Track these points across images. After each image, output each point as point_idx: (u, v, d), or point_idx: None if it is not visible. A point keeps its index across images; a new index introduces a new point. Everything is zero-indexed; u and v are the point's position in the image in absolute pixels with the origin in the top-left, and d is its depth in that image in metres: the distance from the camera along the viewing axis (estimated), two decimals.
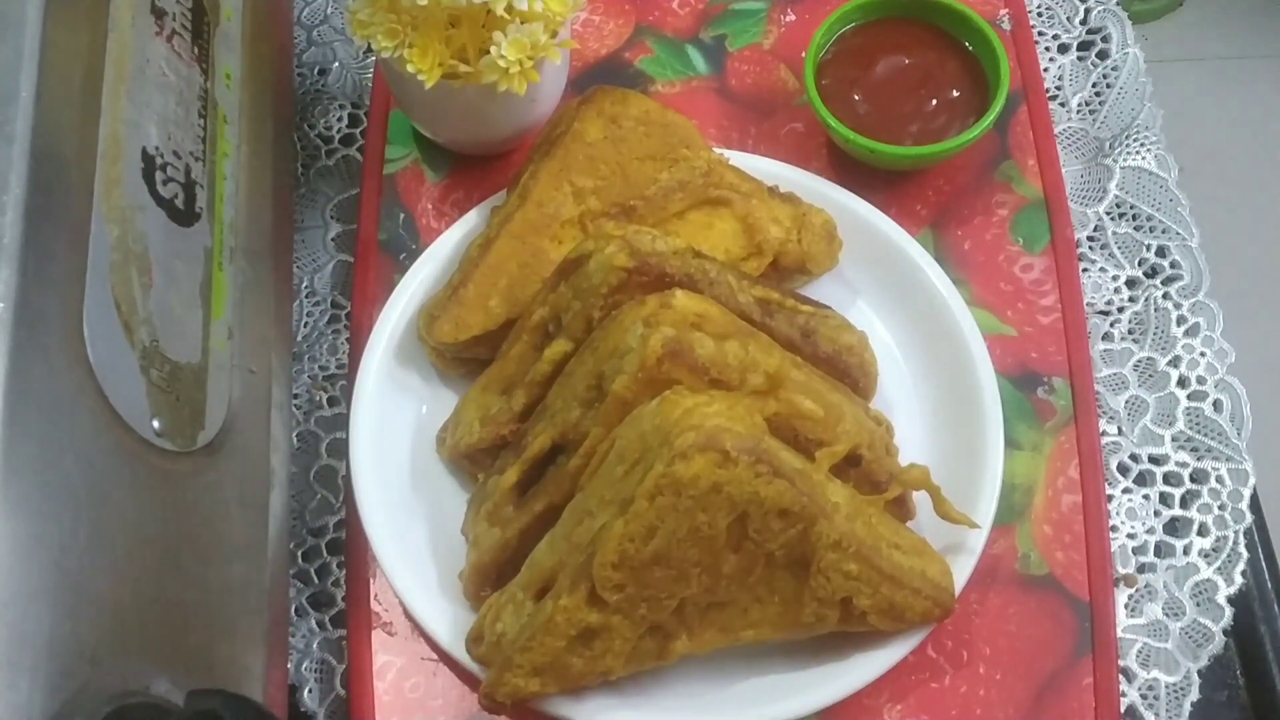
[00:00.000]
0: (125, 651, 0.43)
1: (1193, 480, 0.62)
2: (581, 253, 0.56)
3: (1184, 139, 0.76)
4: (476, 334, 0.61)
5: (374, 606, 0.61)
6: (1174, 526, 0.62)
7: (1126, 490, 0.62)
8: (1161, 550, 0.61)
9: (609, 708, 0.55)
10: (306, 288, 0.70)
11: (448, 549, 0.60)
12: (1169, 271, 0.67)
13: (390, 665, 0.60)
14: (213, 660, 0.48)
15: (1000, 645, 0.59)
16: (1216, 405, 0.64)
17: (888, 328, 0.65)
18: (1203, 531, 0.61)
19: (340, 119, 0.75)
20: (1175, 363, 0.65)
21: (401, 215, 0.71)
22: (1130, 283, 0.67)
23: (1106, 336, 0.66)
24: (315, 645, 0.61)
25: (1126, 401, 0.64)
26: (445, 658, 0.59)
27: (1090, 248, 0.68)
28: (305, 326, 0.69)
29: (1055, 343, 0.65)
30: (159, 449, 0.47)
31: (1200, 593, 0.60)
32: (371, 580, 0.61)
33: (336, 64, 0.77)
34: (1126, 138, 0.70)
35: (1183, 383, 0.64)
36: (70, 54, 0.46)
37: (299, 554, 0.63)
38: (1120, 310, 0.67)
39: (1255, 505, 0.62)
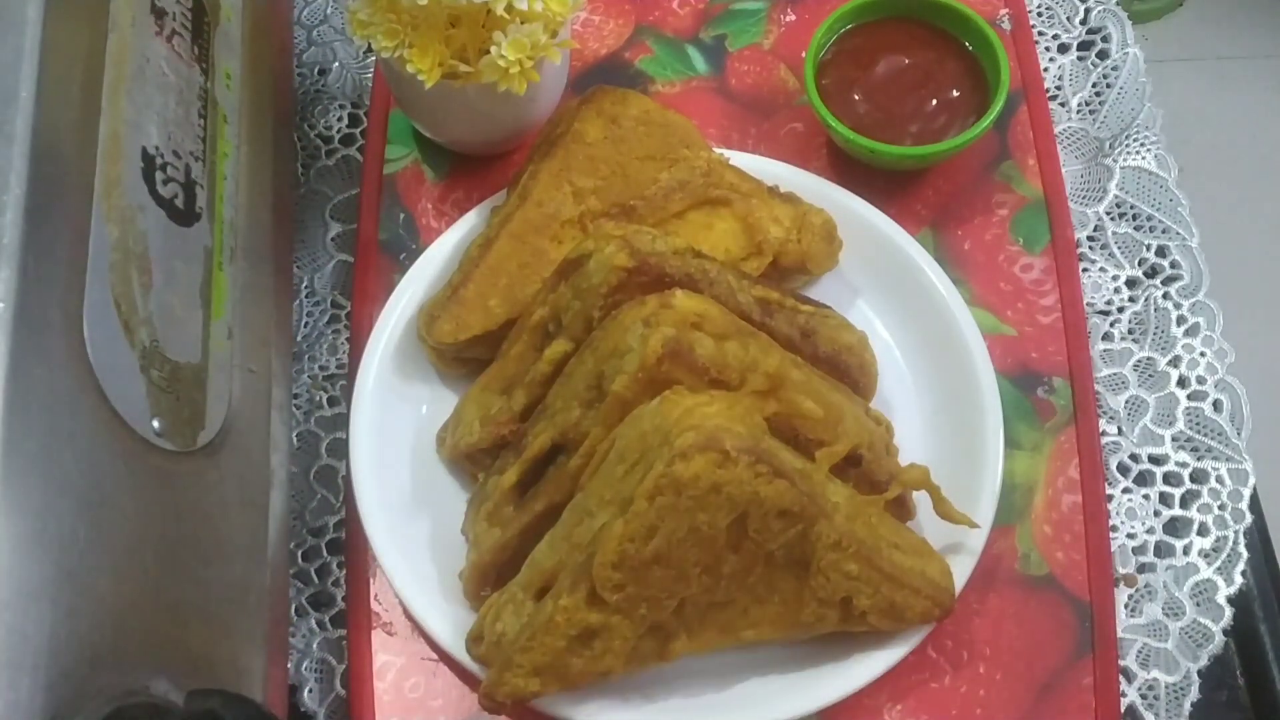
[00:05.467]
0: (125, 651, 0.43)
1: (1193, 480, 0.62)
2: (581, 253, 0.56)
3: (1184, 139, 0.76)
4: (476, 334, 0.61)
5: (374, 606, 0.61)
6: (1174, 526, 0.62)
7: (1126, 490, 0.62)
8: (1161, 550, 0.61)
9: (609, 708, 0.55)
10: (306, 288, 0.70)
11: (448, 549, 0.60)
12: (1169, 271, 0.67)
13: (390, 665, 0.60)
14: (213, 660, 0.48)
15: (1000, 645, 0.59)
16: (1216, 405, 0.64)
17: (888, 328, 0.65)
18: (1203, 531, 0.61)
19: (340, 119, 0.75)
20: (1175, 363, 0.65)
21: (401, 215, 0.71)
22: (1130, 283, 0.67)
23: (1106, 336, 0.66)
24: (315, 645, 0.61)
25: (1126, 401, 0.64)
26: (445, 658, 0.59)
27: (1090, 248, 0.68)
28: (305, 326, 0.69)
29: (1055, 343, 0.65)
30: (159, 449, 0.47)
31: (1200, 593, 0.60)
32: (371, 580, 0.61)
33: (336, 64, 0.77)
34: (1126, 138, 0.70)
35: (1183, 383, 0.64)
36: (70, 54, 0.46)
37: (299, 554, 0.63)
38: (1120, 310, 0.67)
39: (1255, 505, 0.62)
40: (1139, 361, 0.65)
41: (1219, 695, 0.60)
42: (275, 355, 0.59)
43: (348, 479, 0.62)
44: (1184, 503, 0.62)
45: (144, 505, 0.45)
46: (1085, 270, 0.68)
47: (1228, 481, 0.62)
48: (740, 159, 0.67)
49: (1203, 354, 0.65)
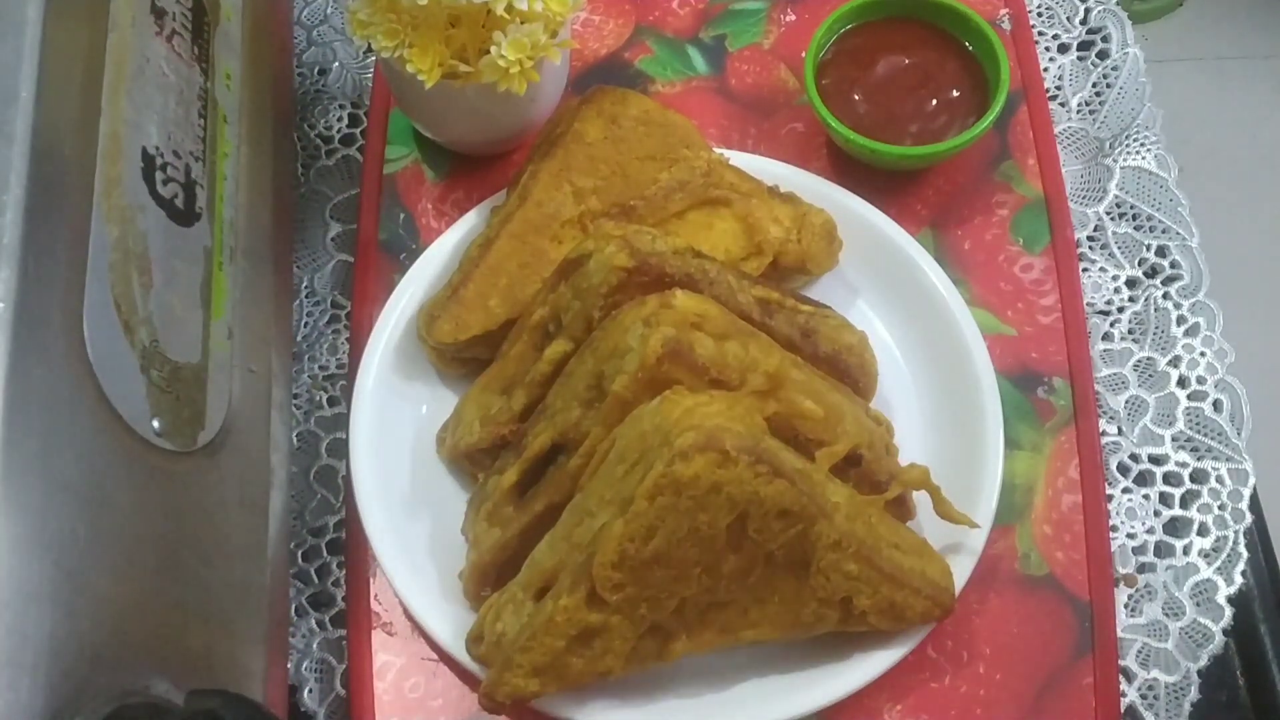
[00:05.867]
0: (125, 651, 0.43)
1: (1193, 480, 0.62)
2: (581, 253, 0.56)
3: (1184, 139, 0.76)
4: (476, 334, 0.61)
5: (374, 606, 0.61)
6: (1174, 526, 0.62)
7: (1126, 490, 0.62)
8: (1161, 550, 0.61)
9: (609, 708, 0.55)
10: (306, 288, 0.70)
11: (448, 549, 0.60)
12: (1169, 271, 0.67)
13: (390, 665, 0.60)
14: (213, 660, 0.48)
15: (1000, 645, 0.59)
16: (1216, 405, 0.64)
17: (888, 328, 0.65)
18: (1203, 531, 0.61)
19: (340, 119, 0.75)
20: (1175, 363, 0.65)
21: (401, 215, 0.71)
22: (1130, 283, 0.67)
23: (1106, 336, 0.66)
24: (315, 645, 0.61)
25: (1126, 401, 0.64)
26: (445, 658, 0.59)
27: (1090, 248, 0.68)
28: (305, 326, 0.69)
29: (1055, 343, 0.65)
30: (159, 449, 0.47)
31: (1200, 593, 0.60)
32: (371, 580, 0.61)
33: (336, 64, 0.77)
34: (1126, 138, 0.70)
35: (1183, 383, 0.64)
36: (70, 54, 0.46)
37: (299, 554, 0.63)
38: (1120, 310, 0.67)
39: (1255, 505, 0.62)
40: (1139, 361, 0.65)
41: (1219, 695, 0.60)
42: (275, 355, 0.59)
43: (348, 479, 0.62)
44: (1184, 503, 0.62)
45: (144, 505, 0.45)
46: (1085, 270, 0.68)
47: (1228, 481, 0.62)
48: (740, 159, 0.67)
49: (1203, 354, 0.65)
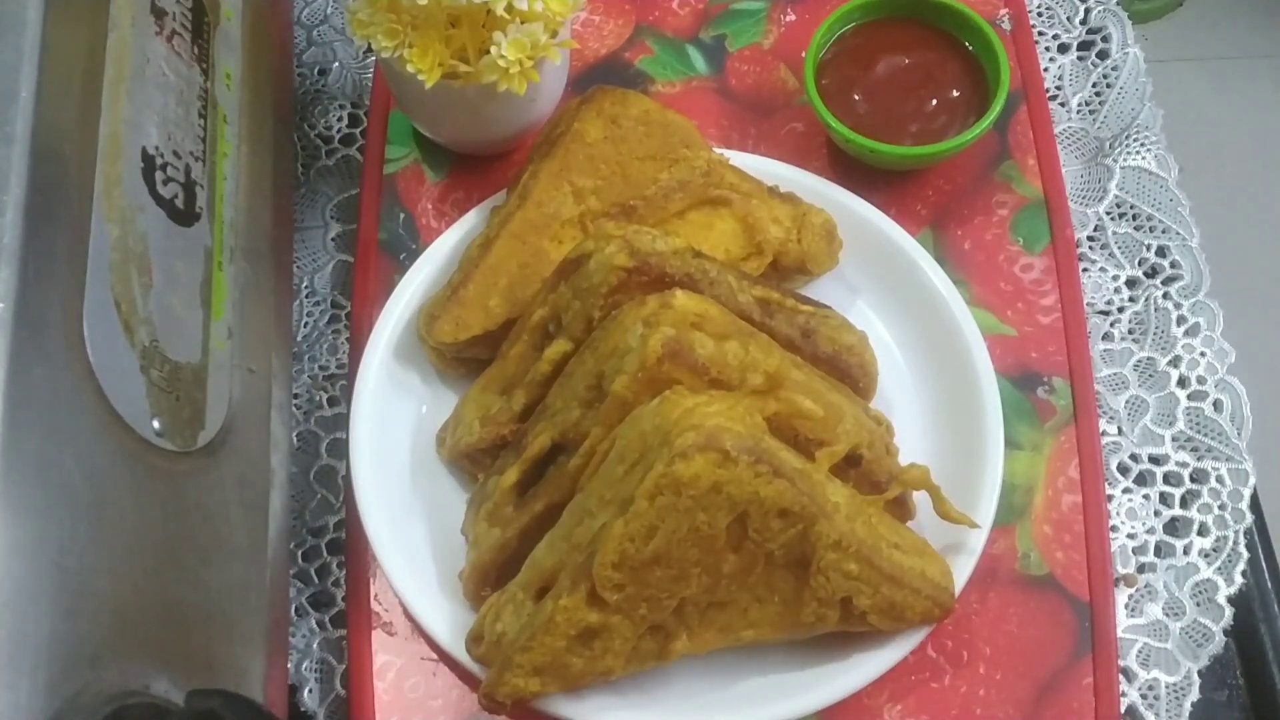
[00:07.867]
0: (125, 651, 0.43)
1: (1193, 480, 0.62)
2: (581, 253, 0.56)
3: (1184, 139, 0.76)
4: (476, 334, 0.61)
5: (374, 606, 0.61)
6: (1174, 526, 0.62)
7: (1126, 490, 0.62)
8: (1161, 550, 0.61)
9: (609, 708, 0.55)
10: (306, 288, 0.70)
11: (448, 549, 0.60)
12: (1169, 271, 0.67)
13: (390, 665, 0.60)
14: (213, 660, 0.48)
15: (1000, 645, 0.59)
16: (1216, 405, 0.64)
17: (888, 328, 0.65)
18: (1203, 531, 0.61)
19: (340, 119, 0.75)
20: (1175, 363, 0.65)
21: (401, 215, 0.71)
22: (1130, 283, 0.67)
23: (1106, 336, 0.66)
24: (315, 645, 0.61)
25: (1126, 401, 0.64)
26: (445, 658, 0.59)
27: (1090, 248, 0.68)
28: (305, 326, 0.69)
29: (1055, 343, 0.65)
30: (159, 449, 0.47)
31: (1200, 593, 0.60)
32: (371, 580, 0.61)
33: (336, 64, 0.77)
34: (1126, 138, 0.70)
35: (1183, 383, 0.64)
36: (70, 54, 0.46)
37: (299, 554, 0.63)
38: (1120, 310, 0.67)
39: (1255, 505, 0.62)
40: (1139, 361, 0.65)
41: (1219, 695, 0.60)
42: (275, 355, 0.59)
43: (348, 479, 0.62)
44: (1184, 503, 0.62)
45: (144, 505, 0.45)
46: (1085, 270, 0.68)
47: (1228, 481, 0.62)
48: (740, 159, 0.67)
49: (1203, 354, 0.65)
